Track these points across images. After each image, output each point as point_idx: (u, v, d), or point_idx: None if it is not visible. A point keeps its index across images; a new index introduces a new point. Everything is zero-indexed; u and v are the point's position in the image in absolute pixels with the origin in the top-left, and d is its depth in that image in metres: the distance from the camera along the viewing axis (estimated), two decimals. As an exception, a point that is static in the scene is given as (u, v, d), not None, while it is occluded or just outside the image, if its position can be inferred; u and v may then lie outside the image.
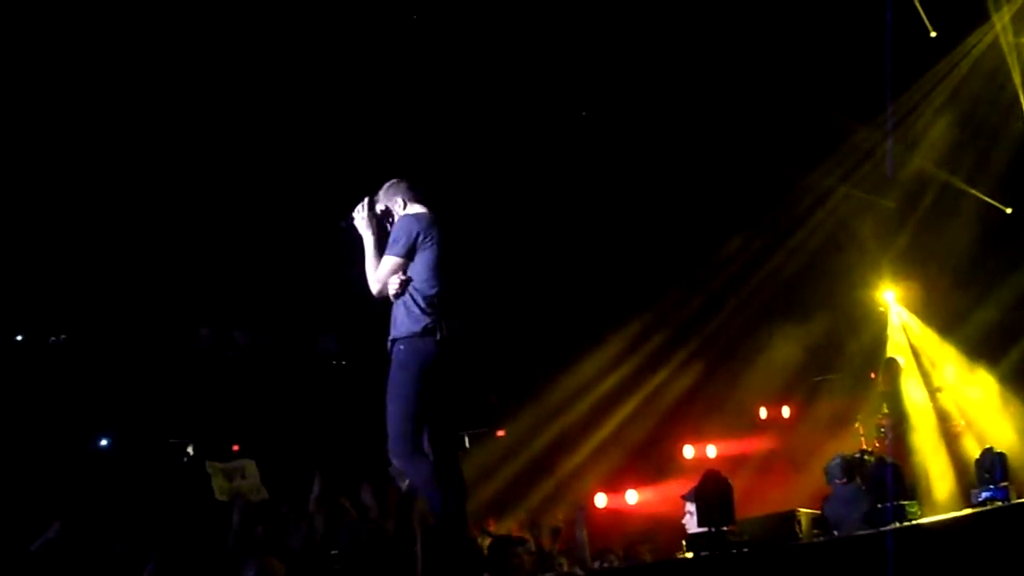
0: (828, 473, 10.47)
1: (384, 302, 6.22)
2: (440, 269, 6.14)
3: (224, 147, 10.46)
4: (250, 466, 8.93)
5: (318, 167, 10.82)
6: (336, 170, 10.89)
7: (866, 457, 10.70)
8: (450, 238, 6.26)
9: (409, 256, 6.16)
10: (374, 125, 10.85)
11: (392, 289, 6.14)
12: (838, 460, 10.46)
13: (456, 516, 5.92)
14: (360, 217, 6.43)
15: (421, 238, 6.16)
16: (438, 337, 6.01)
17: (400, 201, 6.44)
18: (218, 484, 8.59)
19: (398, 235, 6.22)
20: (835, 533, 9.42)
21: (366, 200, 6.50)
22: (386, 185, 6.51)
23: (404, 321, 6.10)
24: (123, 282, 10.48)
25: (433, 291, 6.08)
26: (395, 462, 6.04)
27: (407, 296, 6.13)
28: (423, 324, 6.03)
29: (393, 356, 6.07)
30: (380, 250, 6.27)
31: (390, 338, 6.11)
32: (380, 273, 6.22)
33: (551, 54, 11.13)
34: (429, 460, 5.96)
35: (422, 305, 6.07)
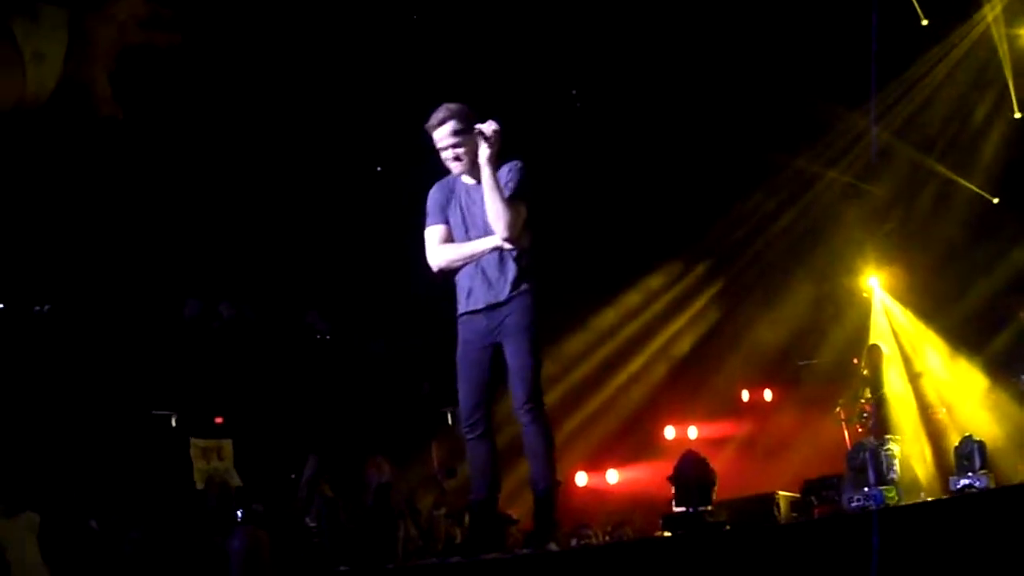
0: None
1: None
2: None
3: (216, 121, 10.41)
4: (227, 447, 8.94)
5: (310, 141, 10.77)
6: (328, 144, 10.88)
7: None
8: None
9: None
10: (365, 93, 10.80)
11: (526, 241, 5.88)
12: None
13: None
14: (486, 144, 5.81)
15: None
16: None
17: (492, 131, 5.86)
18: (199, 467, 8.61)
19: (525, 179, 5.92)
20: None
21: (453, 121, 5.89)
22: (450, 122, 5.91)
23: (528, 270, 5.85)
24: (110, 252, 10.44)
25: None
26: (535, 415, 5.77)
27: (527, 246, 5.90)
28: (538, 278, 5.87)
29: (521, 306, 5.80)
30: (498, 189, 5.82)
31: (509, 293, 5.80)
32: (518, 220, 5.83)
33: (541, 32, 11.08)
34: None
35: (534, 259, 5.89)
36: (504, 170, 5.91)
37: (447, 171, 6.10)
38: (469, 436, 5.90)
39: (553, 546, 5.63)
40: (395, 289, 11.88)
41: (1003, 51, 13.25)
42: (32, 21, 1.46)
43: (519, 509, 10.40)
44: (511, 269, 5.84)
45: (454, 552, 6.73)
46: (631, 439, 14.88)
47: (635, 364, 14.90)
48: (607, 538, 11.42)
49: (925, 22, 12.91)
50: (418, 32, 10.47)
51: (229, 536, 6.27)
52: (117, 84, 1.65)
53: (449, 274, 6.04)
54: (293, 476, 9.33)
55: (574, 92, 12.39)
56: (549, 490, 5.76)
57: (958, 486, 10.23)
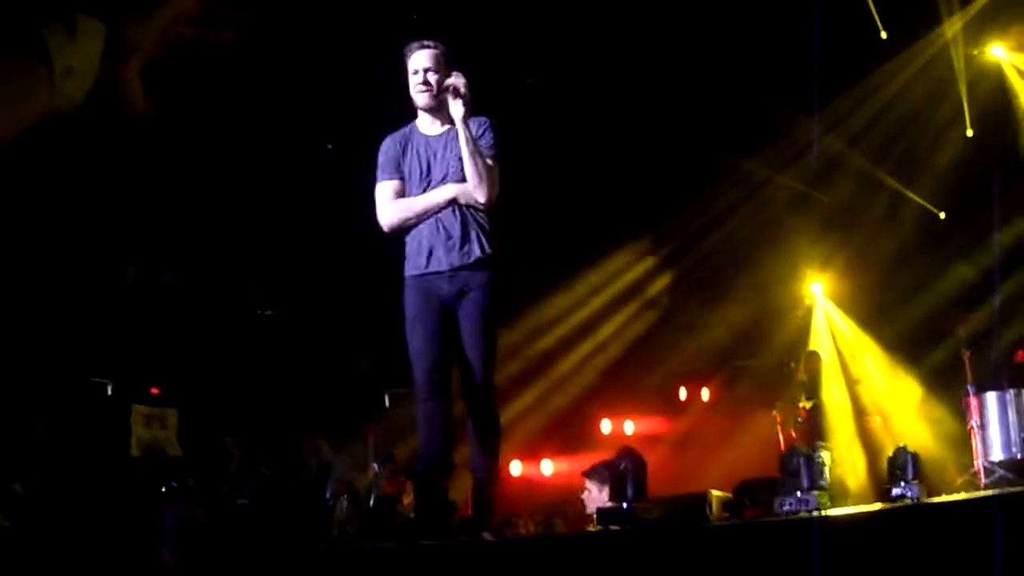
0: None
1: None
2: None
3: (173, 94, 10.23)
4: (171, 416, 8.80)
5: (263, 117, 10.63)
6: (281, 121, 10.74)
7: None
8: None
9: None
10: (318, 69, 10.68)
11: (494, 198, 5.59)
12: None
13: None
14: (460, 100, 5.51)
15: None
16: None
17: (463, 85, 5.61)
18: (137, 434, 8.45)
19: (496, 137, 5.69)
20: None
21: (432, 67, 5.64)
22: (433, 49, 5.69)
23: (491, 241, 5.62)
24: (52, 216, 10.26)
25: None
26: (486, 399, 5.58)
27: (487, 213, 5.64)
28: (500, 245, 5.63)
29: (484, 281, 5.57)
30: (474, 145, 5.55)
31: (478, 256, 5.55)
32: (495, 177, 5.59)
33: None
34: None
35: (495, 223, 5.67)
36: (473, 127, 5.68)
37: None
38: (427, 398, 5.62)
39: (487, 535, 5.53)
40: (339, 266, 11.80)
41: (959, 68, 13.39)
42: (69, 35, 1.40)
43: (453, 493, 10.38)
44: (476, 230, 5.60)
45: (394, 533, 6.57)
46: (568, 431, 14.87)
47: (575, 356, 14.89)
48: (538, 529, 11.42)
49: (884, 35, 13.02)
50: (372, 9, 10.36)
51: (161, 509, 6.18)
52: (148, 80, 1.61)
53: (401, 232, 5.78)
54: (224, 443, 9.21)
55: (530, 81, 12.32)
56: (490, 477, 5.66)
57: (891, 495, 10.35)
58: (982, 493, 9.64)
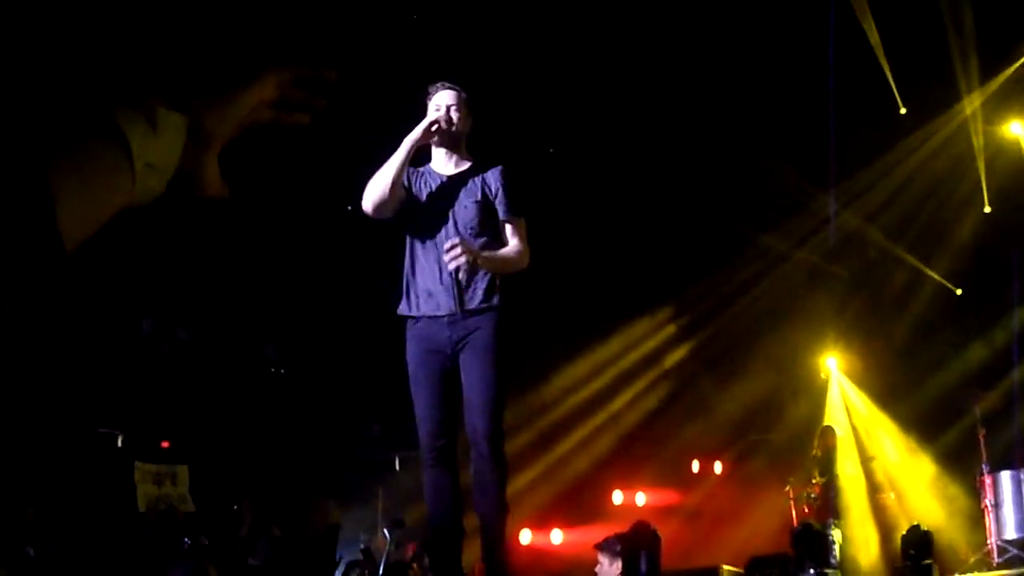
0: None
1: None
2: None
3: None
4: (182, 472, 8.73)
5: (283, 177, 10.67)
6: (301, 181, 10.78)
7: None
8: None
9: None
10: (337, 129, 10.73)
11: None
12: None
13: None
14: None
15: None
16: None
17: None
18: (144, 491, 8.37)
19: (515, 190, 5.49)
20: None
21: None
22: (458, 92, 5.52)
23: (497, 281, 5.36)
24: (71, 264, 10.28)
25: None
26: (494, 448, 5.27)
27: None
28: (507, 294, 5.40)
29: (494, 322, 5.30)
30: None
31: (489, 301, 5.31)
32: (526, 244, 5.42)
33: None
34: None
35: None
36: (491, 181, 5.51)
37: None
38: (432, 464, 5.35)
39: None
40: (354, 328, 11.81)
41: (978, 145, 13.42)
42: (150, 130, 1.40)
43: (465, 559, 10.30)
44: (482, 276, 5.34)
45: None
46: (578, 500, 14.77)
47: (588, 426, 14.81)
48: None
49: (904, 110, 13.07)
50: (385, 72, 10.43)
51: (172, 566, 6.12)
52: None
53: (385, 209, 5.45)
54: (236, 507, 9.16)
55: (551, 150, 12.37)
56: (500, 528, 5.32)
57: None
58: (995, 574, 9.55)
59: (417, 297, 5.43)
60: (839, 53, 11.87)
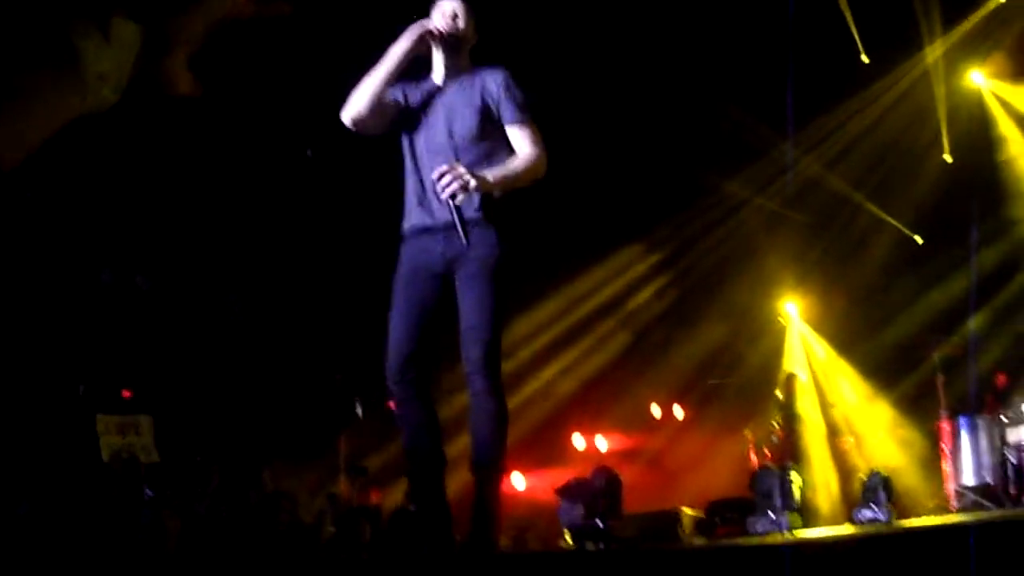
0: None
1: None
2: None
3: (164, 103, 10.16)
4: (145, 422, 8.66)
5: (248, 126, 10.54)
6: (264, 129, 10.67)
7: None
8: None
9: None
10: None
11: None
12: None
13: None
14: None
15: None
16: None
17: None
18: (107, 441, 8.30)
19: (520, 94, 5.13)
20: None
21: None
22: (463, 3, 5.20)
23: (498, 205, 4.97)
24: (26, 214, 10.16)
25: None
26: (490, 382, 4.87)
27: None
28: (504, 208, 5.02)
29: (492, 238, 4.90)
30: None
31: (486, 210, 4.93)
32: (543, 150, 5.09)
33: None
34: None
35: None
36: (491, 86, 5.14)
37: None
38: (401, 394, 4.90)
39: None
40: (318, 274, 11.76)
41: (939, 95, 13.48)
42: (104, 41, 1.38)
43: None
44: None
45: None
46: (539, 445, 14.82)
47: (548, 371, 14.85)
48: (509, 543, 11.39)
49: (866, 59, 13.09)
50: (359, 22, 10.32)
51: (136, 515, 6.10)
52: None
53: (368, 121, 5.09)
54: (199, 459, 9.10)
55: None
56: (496, 477, 4.88)
57: (862, 517, 10.40)
58: (954, 518, 9.68)
59: (411, 211, 5.08)
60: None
